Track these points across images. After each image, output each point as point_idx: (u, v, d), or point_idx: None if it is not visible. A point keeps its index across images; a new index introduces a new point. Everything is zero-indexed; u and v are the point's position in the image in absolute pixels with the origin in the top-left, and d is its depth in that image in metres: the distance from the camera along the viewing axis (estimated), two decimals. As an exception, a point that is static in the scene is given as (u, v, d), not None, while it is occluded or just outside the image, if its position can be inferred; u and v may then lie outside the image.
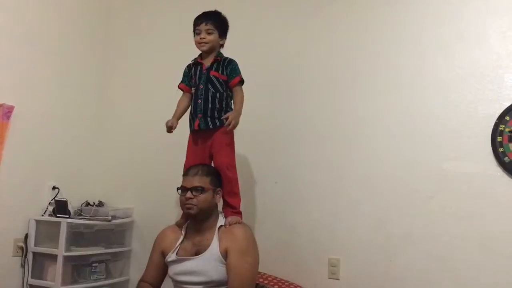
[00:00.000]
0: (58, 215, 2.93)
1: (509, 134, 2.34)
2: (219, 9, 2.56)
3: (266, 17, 3.05)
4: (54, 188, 3.08)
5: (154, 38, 3.44)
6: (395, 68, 2.65)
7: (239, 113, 2.40)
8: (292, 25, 2.96)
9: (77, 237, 2.95)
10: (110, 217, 3.06)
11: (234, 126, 2.35)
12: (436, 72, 2.54)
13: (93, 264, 3.01)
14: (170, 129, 2.48)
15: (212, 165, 2.44)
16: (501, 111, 2.37)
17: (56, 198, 3.02)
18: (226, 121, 2.32)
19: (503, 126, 2.35)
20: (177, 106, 2.58)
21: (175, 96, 3.13)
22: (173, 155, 3.09)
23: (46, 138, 3.09)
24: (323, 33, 2.87)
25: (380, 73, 2.69)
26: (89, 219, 3.01)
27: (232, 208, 2.38)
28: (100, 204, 3.28)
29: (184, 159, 2.53)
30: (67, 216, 2.94)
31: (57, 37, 3.21)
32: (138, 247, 3.24)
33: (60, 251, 2.82)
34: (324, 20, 2.87)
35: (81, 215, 3.05)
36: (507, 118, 2.35)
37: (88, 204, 3.23)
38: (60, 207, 2.96)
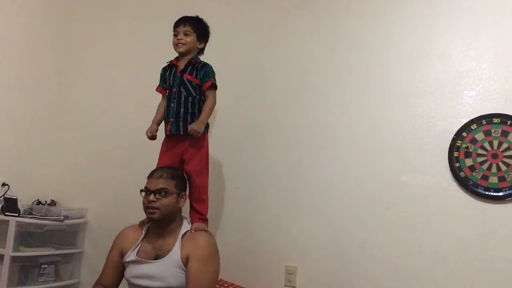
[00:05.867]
0: (6, 213, 2.81)
1: (466, 150, 2.41)
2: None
3: (236, 23, 3.03)
4: (3, 184, 2.95)
5: (115, 39, 3.38)
6: (359, 80, 2.69)
7: (203, 123, 2.34)
8: (262, 33, 2.96)
9: (26, 236, 2.85)
10: (62, 217, 2.98)
11: (197, 136, 2.31)
12: (398, 86, 2.59)
13: (42, 266, 2.91)
14: (152, 138, 2.43)
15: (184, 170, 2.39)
16: (459, 127, 2.43)
17: (5, 196, 2.89)
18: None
19: (460, 141, 2.42)
20: (157, 111, 2.51)
21: (134, 95, 3.13)
22: (132, 156, 3.08)
23: (-3, 132, 2.96)
24: (293, 45, 2.87)
25: (345, 84, 2.72)
26: (40, 219, 2.91)
27: (199, 215, 2.34)
28: (52, 203, 3.19)
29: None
30: (16, 214, 2.82)
31: (16, 34, 3.10)
32: (91, 249, 3.17)
33: (8, 251, 2.72)
34: (294, 32, 2.88)
35: (31, 214, 2.94)
36: (464, 134, 2.42)
37: (39, 202, 3.13)
38: (9, 205, 2.84)
